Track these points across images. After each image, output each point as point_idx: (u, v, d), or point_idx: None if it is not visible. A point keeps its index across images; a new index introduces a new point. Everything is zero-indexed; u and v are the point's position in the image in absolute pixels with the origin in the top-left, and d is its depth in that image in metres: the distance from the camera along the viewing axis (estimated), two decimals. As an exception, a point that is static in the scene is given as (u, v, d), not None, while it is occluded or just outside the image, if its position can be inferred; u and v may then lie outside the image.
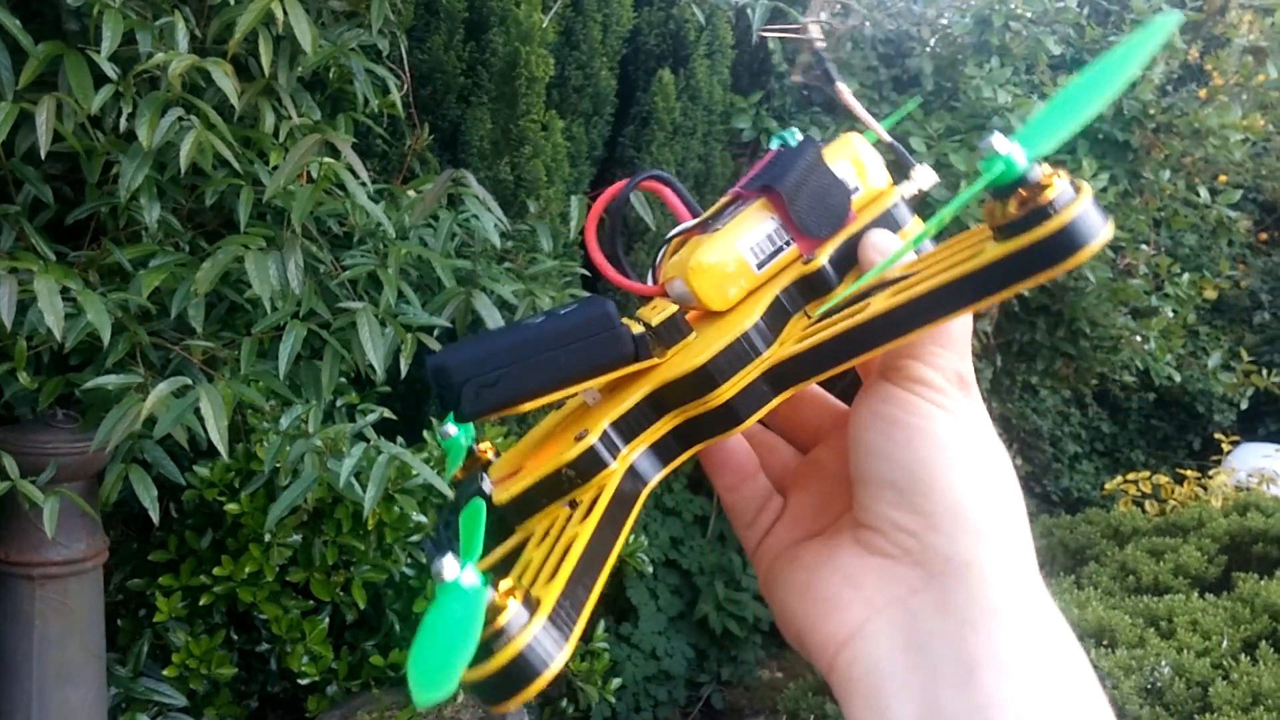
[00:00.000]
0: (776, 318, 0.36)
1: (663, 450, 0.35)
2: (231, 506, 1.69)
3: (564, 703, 2.47)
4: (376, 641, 2.08)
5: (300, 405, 1.36)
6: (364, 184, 1.43)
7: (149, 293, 1.36)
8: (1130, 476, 3.20)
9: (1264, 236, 4.32)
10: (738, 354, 0.34)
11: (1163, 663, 1.68)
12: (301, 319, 1.43)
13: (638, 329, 0.36)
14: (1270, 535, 2.17)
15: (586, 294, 1.86)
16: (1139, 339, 3.06)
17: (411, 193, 1.78)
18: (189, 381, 1.24)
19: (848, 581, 0.34)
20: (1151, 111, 2.93)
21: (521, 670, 0.28)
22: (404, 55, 2.06)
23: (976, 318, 2.59)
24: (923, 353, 0.34)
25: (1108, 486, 3.39)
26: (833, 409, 0.40)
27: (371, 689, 2.07)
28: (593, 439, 0.34)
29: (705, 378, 0.34)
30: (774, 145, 0.42)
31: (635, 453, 0.35)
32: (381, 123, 2.01)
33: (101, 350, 1.40)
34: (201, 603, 1.75)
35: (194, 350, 1.44)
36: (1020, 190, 0.30)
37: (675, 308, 0.37)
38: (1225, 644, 1.75)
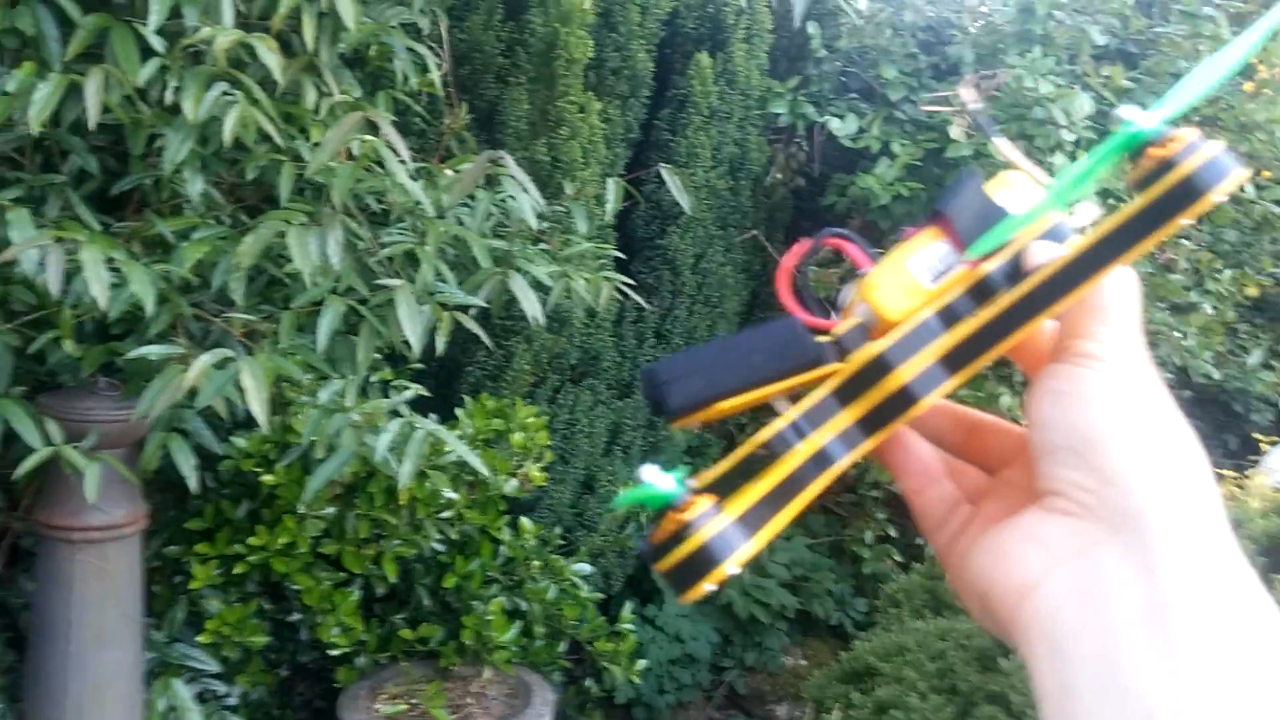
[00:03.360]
0: (949, 319, 0.39)
1: (849, 438, 0.39)
2: (268, 478, 1.71)
3: (589, 682, 2.49)
4: (406, 615, 2.11)
5: (338, 380, 1.37)
6: (404, 162, 1.44)
7: (191, 265, 1.38)
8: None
9: (1307, 233, 4.25)
10: (910, 341, 0.38)
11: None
12: (340, 295, 1.44)
13: (824, 339, 0.40)
14: (1306, 536, 2.14)
15: (621, 278, 1.87)
16: (1177, 335, 3.03)
17: (449, 172, 1.79)
18: (231, 354, 1.26)
19: (1030, 537, 0.36)
20: (1197, 105, 2.89)
21: (705, 558, 0.34)
22: (444, 34, 2.06)
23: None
24: (1087, 331, 0.36)
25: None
26: (1018, 436, 0.42)
27: (400, 661, 2.09)
28: (782, 423, 0.38)
29: (882, 364, 0.38)
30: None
31: (824, 440, 0.38)
32: (420, 101, 2.02)
33: (142, 320, 1.42)
34: (236, 571, 1.78)
35: (234, 323, 1.45)
36: (1150, 149, 0.34)
37: (858, 320, 0.40)
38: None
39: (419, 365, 1.87)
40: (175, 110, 1.43)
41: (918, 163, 2.64)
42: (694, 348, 0.39)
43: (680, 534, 0.34)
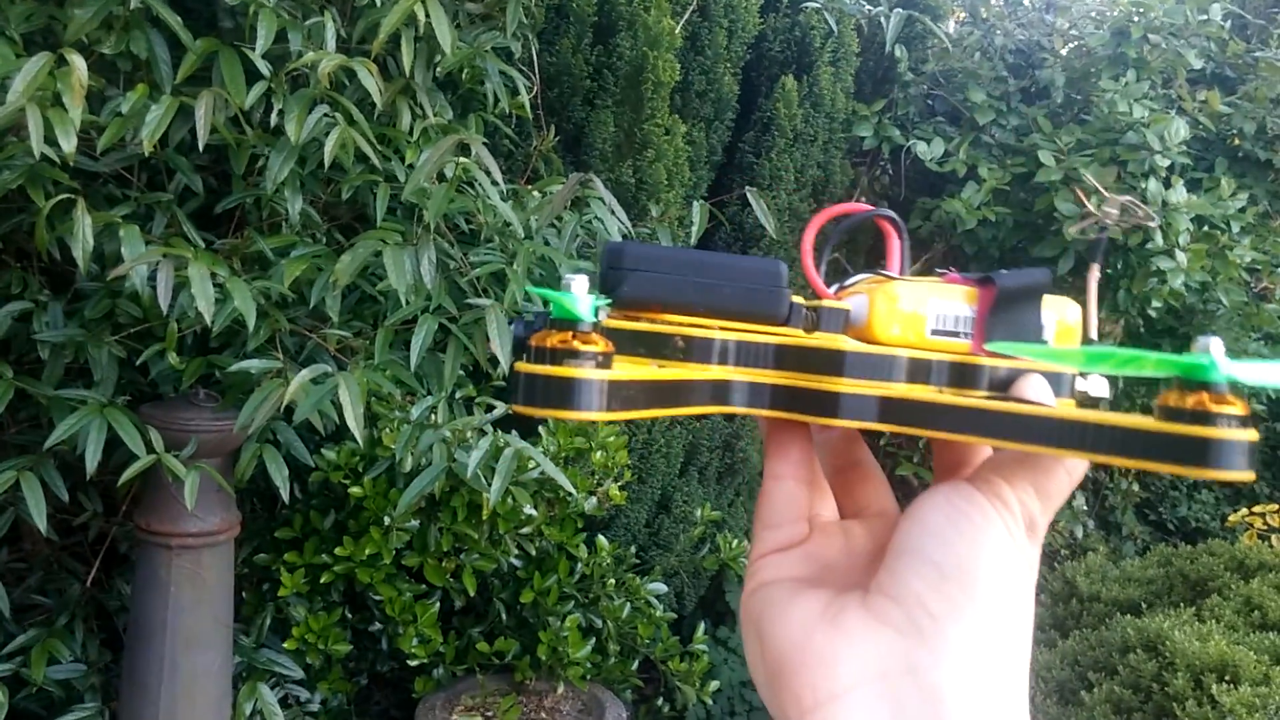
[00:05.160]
0: (918, 374, 0.38)
1: (756, 394, 0.38)
2: (355, 490, 1.75)
3: (660, 701, 2.49)
4: (483, 628, 2.13)
5: (431, 396, 1.40)
6: (497, 184, 1.47)
7: (289, 282, 1.42)
8: (1257, 509, 3.07)
9: None
10: (875, 365, 0.37)
11: (1288, 704, 1.62)
12: (430, 313, 1.47)
13: (799, 300, 0.38)
14: None
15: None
16: (1272, 366, 2.93)
17: (536, 193, 1.82)
18: (328, 369, 1.29)
19: (848, 642, 0.34)
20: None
21: (563, 392, 0.32)
22: (534, 57, 2.10)
23: (1099, 338, 2.49)
24: (1017, 483, 0.35)
25: (1231, 519, 3.25)
26: (886, 500, 0.42)
27: (476, 674, 2.12)
28: (717, 335, 0.37)
29: (838, 362, 0.37)
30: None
31: (736, 377, 0.37)
32: (509, 123, 2.06)
33: (241, 334, 1.47)
34: (322, 580, 1.81)
35: (329, 339, 1.49)
36: (1203, 392, 0.32)
37: (848, 306, 0.39)
38: (1357, 689, 1.67)
39: (501, 383, 1.89)
40: (277, 131, 1.47)
41: (1005, 187, 2.61)
42: (673, 248, 0.38)
43: (561, 354, 0.32)
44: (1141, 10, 2.66)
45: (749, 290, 0.37)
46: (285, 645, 1.83)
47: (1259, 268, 2.83)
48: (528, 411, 0.33)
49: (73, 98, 1.29)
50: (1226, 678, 1.74)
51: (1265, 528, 2.98)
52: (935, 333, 0.39)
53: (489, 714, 2.11)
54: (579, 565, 2.12)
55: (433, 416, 1.41)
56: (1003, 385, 0.39)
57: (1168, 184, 2.49)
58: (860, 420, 0.37)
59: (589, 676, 2.14)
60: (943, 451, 0.40)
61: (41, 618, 1.71)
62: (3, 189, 1.39)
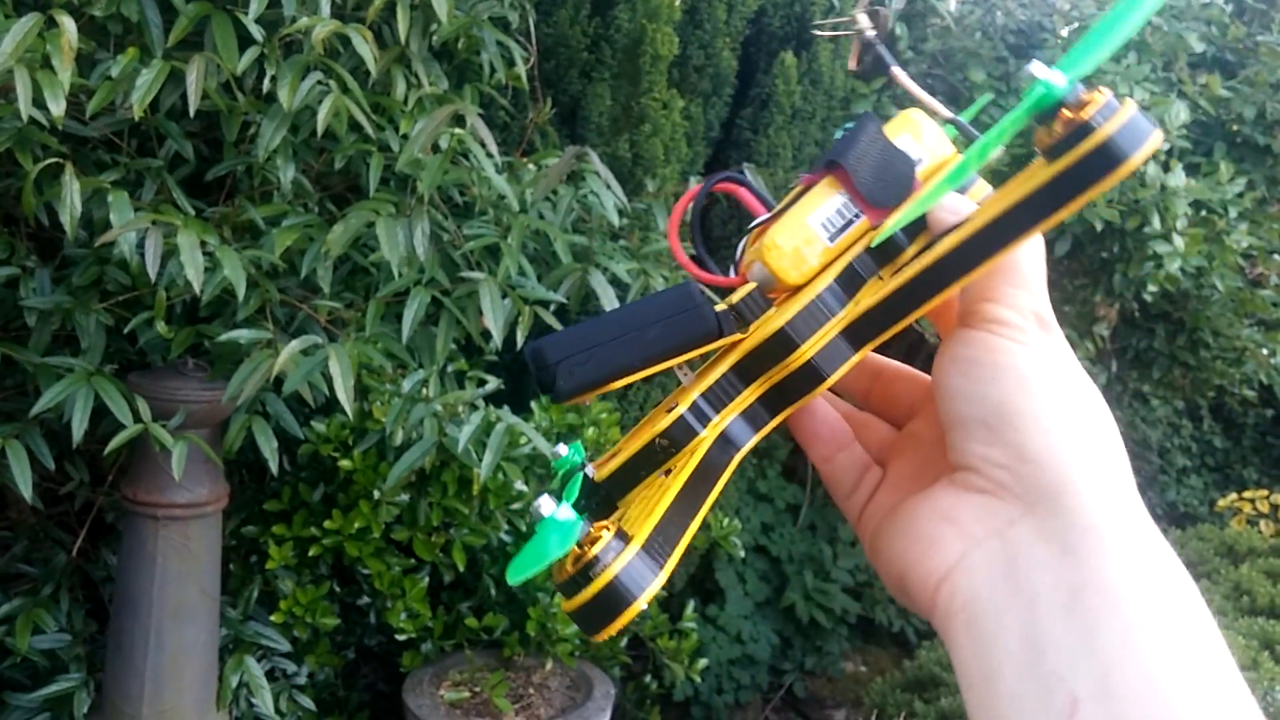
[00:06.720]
0: (851, 282, 0.37)
1: (753, 417, 0.37)
2: (345, 463, 1.74)
3: (648, 678, 2.49)
4: (472, 604, 2.13)
5: (422, 370, 1.39)
6: (492, 156, 1.45)
7: (280, 251, 1.40)
8: (1246, 495, 3.08)
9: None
10: (813, 314, 0.36)
11: (1277, 688, 1.62)
12: (423, 285, 1.45)
13: (722, 307, 0.37)
14: (1397, 567, 2.07)
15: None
16: (1265, 352, 2.94)
17: (531, 166, 1.80)
18: (318, 340, 1.28)
19: (945, 518, 0.34)
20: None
21: (615, 596, 0.31)
22: (531, 28, 2.07)
23: (1093, 321, 2.49)
24: (997, 294, 0.34)
25: (1221, 504, 3.27)
26: (924, 383, 0.41)
27: (464, 649, 2.11)
28: (682, 409, 0.36)
29: (785, 340, 0.36)
30: (838, 135, 0.43)
31: (726, 421, 0.37)
32: (505, 95, 2.03)
33: (230, 304, 1.45)
34: (310, 554, 1.80)
35: (319, 309, 1.47)
36: (1063, 112, 0.31)
37: (753, 285, 0.38)
38: (1343, 676, 1.68)
39: (493, 357, 1.88)
40: (270, 98, 1.45)
41: (1005, 169, 2.59)
42: (586, 322, 0.37)
43: (585, 573, 0.31)
44: (1144, -8, 2.63)
45: (672, 322, 0.36)
46: (272, 618, 1.82)
47: (1255, 253, 2.82)
48: (606, 635, 0.32)
49: (62, 60, 1.26)
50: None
51: (1254, 513, 2.99)
52: (834, 238, 0.38)
53: (476, 689, 2.10)
54: (569, 542, 2.12)
55: (424, 390, 1.40)
56: (919, 223, 0.37)
57: (1166, 168, 2.48)
58: (844, 363, 0.36)
59: (577, 653, 2.14)
60: (935, 317, 0.39)
61: (26, 587, 1.69)
62: (-11, 152, 1.37)
